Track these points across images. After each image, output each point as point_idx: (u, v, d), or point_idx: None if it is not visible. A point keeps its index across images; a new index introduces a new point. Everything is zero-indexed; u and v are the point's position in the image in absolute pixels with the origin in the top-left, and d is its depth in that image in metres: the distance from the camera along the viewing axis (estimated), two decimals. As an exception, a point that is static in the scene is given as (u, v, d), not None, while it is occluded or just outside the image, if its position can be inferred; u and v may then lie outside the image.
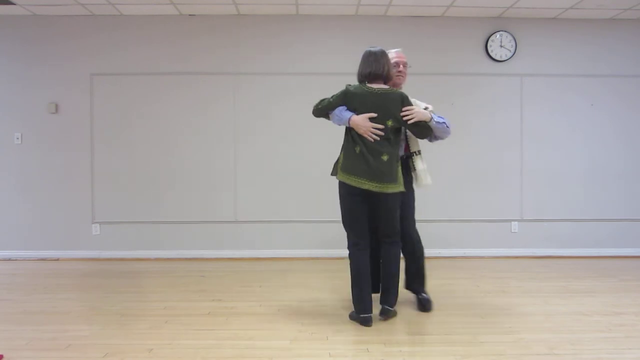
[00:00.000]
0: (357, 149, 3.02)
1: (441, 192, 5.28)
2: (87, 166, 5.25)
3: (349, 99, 3.08)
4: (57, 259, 5.22)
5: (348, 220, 3.15)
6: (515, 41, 5.26)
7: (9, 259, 5.21)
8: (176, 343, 2.77)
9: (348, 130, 3.11)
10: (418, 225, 3.46)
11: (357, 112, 3.04)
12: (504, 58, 5.29)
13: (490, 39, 5.27)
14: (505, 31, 5.27)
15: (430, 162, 5.22)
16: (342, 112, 3.09)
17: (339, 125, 3.16)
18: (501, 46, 5.27)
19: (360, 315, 3.04)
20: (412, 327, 3.04)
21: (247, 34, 5.25)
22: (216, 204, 5.28)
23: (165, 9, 5.05)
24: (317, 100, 3.22)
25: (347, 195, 3.10)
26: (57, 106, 5.22)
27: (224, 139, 5.27)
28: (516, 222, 5.36)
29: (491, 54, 5.28)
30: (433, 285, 4.06)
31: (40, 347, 2.73)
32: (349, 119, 3.03)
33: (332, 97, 3.15)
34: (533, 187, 5.35)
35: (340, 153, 3.15)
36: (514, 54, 5.28)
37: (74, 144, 5.24)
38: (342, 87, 3.25)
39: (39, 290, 3.97)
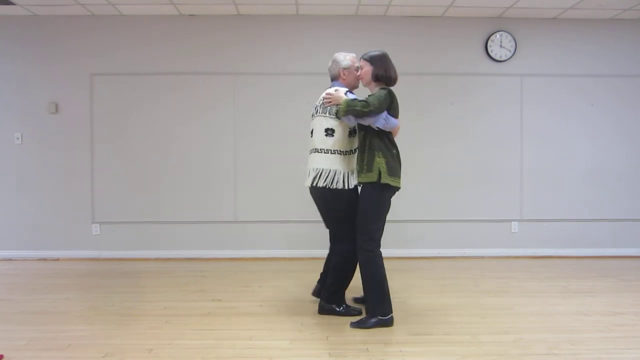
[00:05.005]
0: (395, 152, 3.14)
1: (441, 191, 5.29)
2: (87, 166, 5.25)
3: (394, 102, 3.12)
4: (57, 259, 5.22)
5: (380, 223, 3.16)
6: (515, 41, 5.26)
7: (9, 259, 5.21)
8: (176, 343, 2.77)
9: (382, 134, 3.08)
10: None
11: (394, 115, 3.13)
12: (504, 58, 5.29)
13: (490, 39, 5.27)
14: (505, 31, 5.27)
15: (430, 161, 5.27)
16: (389, 116, 3.08)
17: (379, 127, 3.06)
18: (501, 46, 5.27)
19: (390, 315, 3.10)
20: (412, 327, 3.03)
21: (247, 34, 5.25)
22: (216, 204, 5.28)
23: (165, 9, 5.05)
24: (354, 102, 3.01)
25: (388, 198, 3.15)
26: (57, 106, 5.22)
27: (224, 139, 5.28)
28: (516, 222, 5.36)
29: (491, 54, 5.28)
30: (433, 285, 4.07)
31: (40, 347, 2.74)
32: (397, 125, 3.13)
33: (377, 99, 3.01)
34: (533, 187, 5.35)
35: (379, 157, 3.05)
36: (514, 54, 5.28)
37: (74, 144, 5.24)
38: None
39: (39, 290, 3.97)
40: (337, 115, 3.12)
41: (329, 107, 3.18)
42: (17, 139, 5.23)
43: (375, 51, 3.21)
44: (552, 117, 5.34)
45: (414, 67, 5.22)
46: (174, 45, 5.23)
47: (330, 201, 3.23)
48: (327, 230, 3.47)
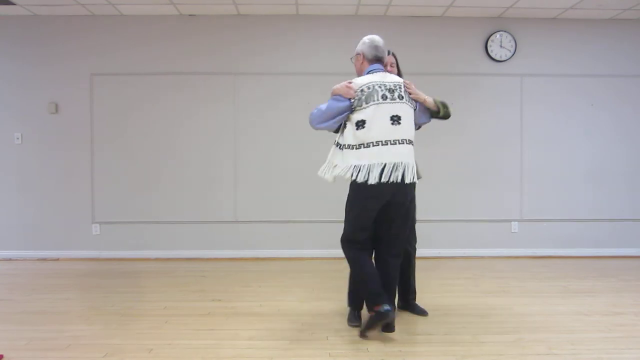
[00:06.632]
0: None
1: (441, 191, 5.29)
2: (87, 166, 5.25)
3: None
4: (57, 259, 5.21)
5: None
6: (515, 41, 5.26)
7: (9, 259, 5.21)
8: (176, 343, 2.77)
9: None
10: (420, 225, 3.42)
11: None
12: (504, 58, 5.29)
13: (490, 39, 5.27)
14: (505, 31, 5.27)
15: (430, 161, 5.26)
16: None
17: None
18: (501, 46, 5.27)
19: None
20: (412, 327, 3.03)
21: (247, 34, 5.25)
22: (216, 204, 5.28)
23: (165, 9, 5.05)
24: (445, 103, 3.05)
25: None
26: (57, 106, 5.22)
27: (224, 139, 5.28)
28: (516, 222, 5.36)
29: (491, 54, 5.28)
30: (433, 285, 4.06)
31: (40, 347, 2.73)
32: None
33: None
34: (533, 187, 5.35)
35: None
36: (514, 54, 5.28)
37: (74, 144, 5.24)
38: None
39: (39, 290, 3.97)
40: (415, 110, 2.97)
41: (411, 99, 2.95)
42: (17, 139, 5.23)
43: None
44: (552, 117, 5.34)
45: (414, 67, 5.19)
46: (174, 45, 5.23)
47: (413, 201, 3.03)
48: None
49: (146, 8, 5.01)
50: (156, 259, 5.20)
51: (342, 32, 5.20)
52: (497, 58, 5.29)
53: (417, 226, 3.36)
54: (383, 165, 2.77)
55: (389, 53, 3.25)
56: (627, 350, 2.67)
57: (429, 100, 2.99)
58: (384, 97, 2.83)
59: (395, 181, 2.76)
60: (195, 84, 5.25)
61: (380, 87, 2.86)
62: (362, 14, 5.18)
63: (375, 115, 2.82)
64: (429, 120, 3.13)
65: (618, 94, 5.35)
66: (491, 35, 5.27)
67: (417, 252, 3.33)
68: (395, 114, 2.82)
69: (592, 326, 3.05)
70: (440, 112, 3.02)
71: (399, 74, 3.23)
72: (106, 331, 2.97)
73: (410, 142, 2.87)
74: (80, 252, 5.24)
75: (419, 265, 3.39)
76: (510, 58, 5.29)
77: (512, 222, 5.36)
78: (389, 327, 2.89)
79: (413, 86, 2.98)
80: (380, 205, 2.85)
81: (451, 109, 3.07)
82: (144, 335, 2.89)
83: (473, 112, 5.31)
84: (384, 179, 2.75)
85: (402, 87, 2.91)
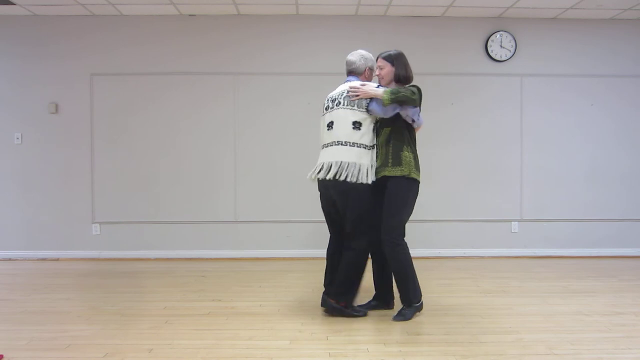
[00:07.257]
0: (415, 149, 3.22)
1: (441, 192, 5.29)
2: (87, 166, 5.25)
3: (421, 98, 3.19)
4: (57, 259, 5.21)
5: (409, 216, 3.27)
6: (515, 41, 5.26)
7: (9, 259, 5.21)
8: (176, 343, 2.77)
9: (408, 131, 3.19)
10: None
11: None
12: (504, 58, 5.29)
13: (490, 39, 5.27)
14: (505, 31, 5.27)
15: (430, 161, 5.27)
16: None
17: (414, 121, 3.18)
18: (501, 46, 5.27)
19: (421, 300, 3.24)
20: (412, 327, 3.03)
21: (247, 34, 5.25)
22: (216, 204, 5.28)
23: (165, 9, 5.05)
24: (399, 90, 3.02)
25: (416, 192, 3.22)
26: (57, 106, 5.22)
27: (223, 139, 5.28)
28: (516, 222, 5.36)
29: (491, 54, 5.28)
30: (433, 285, 4.06)
31: (40, 347, 2.73)
32: (423, 122, 3.27)
33: (418, 93, 3.09)
34: (533, 187, 5.35)
35: (408, 152, 3.12)
36: (514, 54, 5.28)
37: (74, 143, 5.24)
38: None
39: (39, 290, 3.97)
40: (368, 108, 3.08)
41: (357, 101, 3.10)
42: (17, 139, 5.23)
43: (392, 51, 3.26)
44: (552, 117, 5.34)
45: (414, 67, 5.13)
46: (174, 45, 5.23)
47: (353, 197, 3.09)
48: (325, 230, 3.45)
49: (146, 8, 5.02)
50: (156, 259, 5.21)
51: (342, 32, 5.21)
52: (497, 58, 5.29)
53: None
54: (320, 165, 3.19)
55: (379, 58, 3.26)
56: (627, 350, 2.67)
57: (379, 92, 3.07)
58: (327, 108, 3.25)
59: (325, 178, 3.13)
60: (195, 84, 5.25)
61: (328, 100, 3.28)
62: (362, 14, 5.18)
63: (320, 125, 3.31)
64: (400, 109, 3.07)
65: (618, 94, 5.35)
66: (491, 35, 5.27)
67: (410, 251, 3.20)
68: (330, 121, 3.19)
69: (592, 326, 3.05)
70: (385, 103, 3.02)
71: (400, 75, 3.19)
72: (106, 331, 2.97)
73: (339, 142, 3.11)
74: (80, 252, 5.25)
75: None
76: (510, 58, 5.29)
77: (512, 222, 5.36)
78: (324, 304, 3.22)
79: (363, 88, 3.10)
80: (326, 200, 3.28)
81: (409, 93, 3.01)
82: (144, 335, 2.89)
83: (473, 112, 5.31)
84: (320, 177, 3.17)
85: (344, 93, 3.16)
